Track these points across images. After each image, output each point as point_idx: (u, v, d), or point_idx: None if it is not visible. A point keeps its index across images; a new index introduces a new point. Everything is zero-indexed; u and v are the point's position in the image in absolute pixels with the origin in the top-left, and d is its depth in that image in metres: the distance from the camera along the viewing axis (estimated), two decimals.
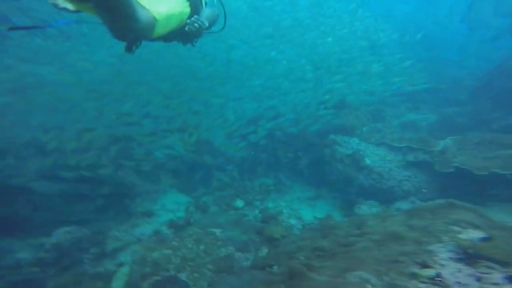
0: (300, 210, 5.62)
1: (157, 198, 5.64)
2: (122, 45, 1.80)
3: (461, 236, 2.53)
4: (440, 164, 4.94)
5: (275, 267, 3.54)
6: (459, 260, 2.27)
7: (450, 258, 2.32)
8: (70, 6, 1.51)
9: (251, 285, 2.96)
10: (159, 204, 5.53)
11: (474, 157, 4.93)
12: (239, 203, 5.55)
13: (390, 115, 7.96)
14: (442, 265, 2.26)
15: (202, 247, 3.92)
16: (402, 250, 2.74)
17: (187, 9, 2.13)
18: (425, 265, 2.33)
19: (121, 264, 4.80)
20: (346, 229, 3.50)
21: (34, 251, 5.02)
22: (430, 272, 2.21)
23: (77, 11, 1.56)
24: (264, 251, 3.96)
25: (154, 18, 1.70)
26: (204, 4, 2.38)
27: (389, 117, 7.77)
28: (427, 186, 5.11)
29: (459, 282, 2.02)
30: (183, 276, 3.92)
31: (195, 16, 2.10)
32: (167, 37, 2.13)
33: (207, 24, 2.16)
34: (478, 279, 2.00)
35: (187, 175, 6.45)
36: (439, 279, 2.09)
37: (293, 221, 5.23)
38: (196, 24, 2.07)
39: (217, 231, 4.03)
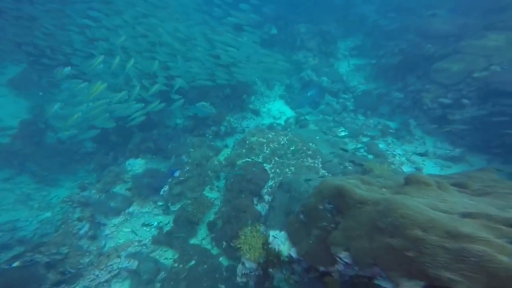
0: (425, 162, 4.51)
1: (266, 102, 6.01)
2: None
3: None
4: None
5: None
6: None
7: None
8: None
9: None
10: (266, 108, 5.90)
11: None
12: (342, 131, 4.99)
13: None
14: None
15: (292, 147, 3.96)
16: None
17: None
18: None
19: (226, 146, 5.86)
20: None
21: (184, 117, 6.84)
22: None
23: None
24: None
25: None
26: None
27: None
28: None
29: None
30: (267, 166, 4.29)
31: None
32: None
33: None
34: None
35: (299, 92, 6.29)
36: None
37: (406, 169, 4.31)
38: None
39: (310, 143, 3.85)
